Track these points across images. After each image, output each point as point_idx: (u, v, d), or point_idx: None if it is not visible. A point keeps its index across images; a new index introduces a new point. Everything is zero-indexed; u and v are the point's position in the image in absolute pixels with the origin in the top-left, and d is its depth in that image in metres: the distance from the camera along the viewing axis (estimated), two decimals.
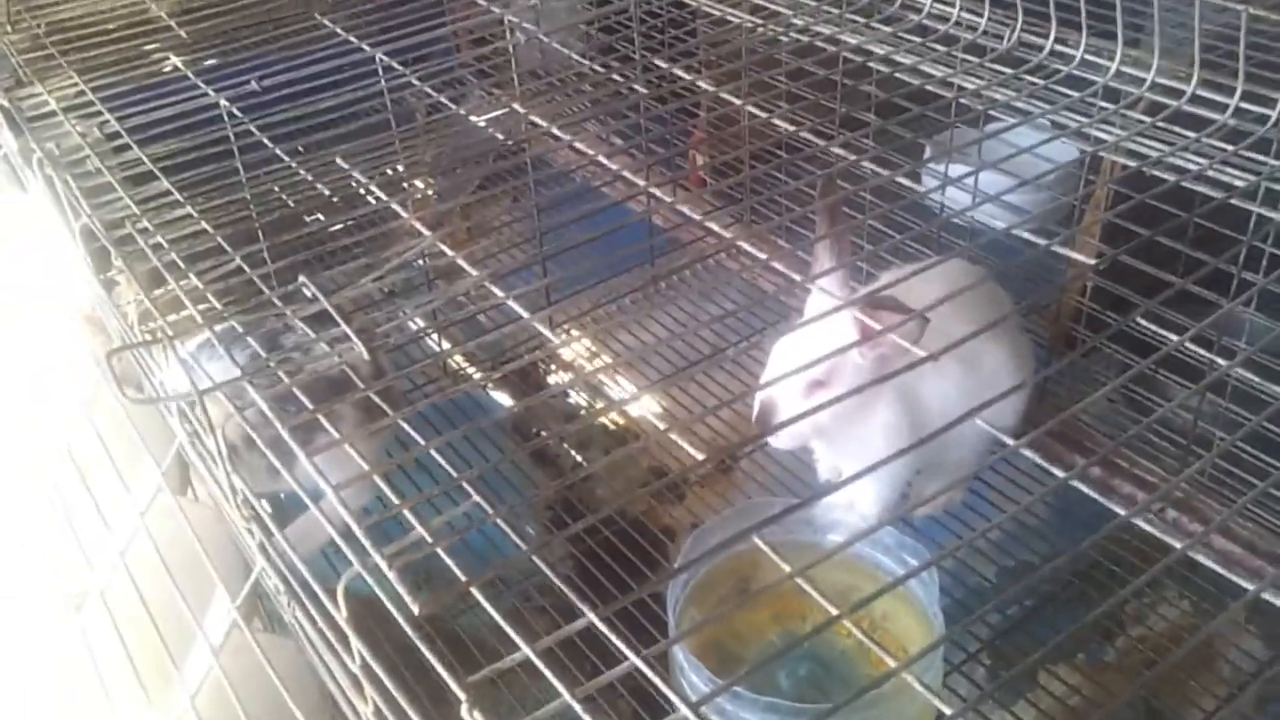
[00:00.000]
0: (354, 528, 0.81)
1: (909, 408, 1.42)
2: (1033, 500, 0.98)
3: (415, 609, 0.74)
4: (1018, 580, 1.53)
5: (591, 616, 0.74)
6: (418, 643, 0.74)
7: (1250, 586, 0.79)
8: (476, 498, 0.83)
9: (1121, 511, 0.84)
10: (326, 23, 1.71)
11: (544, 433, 2.05)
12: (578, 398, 2.13)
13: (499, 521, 0.83)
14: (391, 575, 0.76)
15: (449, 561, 0.80)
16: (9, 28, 1.86)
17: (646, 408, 2.10)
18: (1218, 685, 1.52)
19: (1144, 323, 1.09)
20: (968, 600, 1.63)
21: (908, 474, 1.56)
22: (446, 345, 2.08)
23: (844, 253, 1.34)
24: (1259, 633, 1.61)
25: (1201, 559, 0.81)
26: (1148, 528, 0.83)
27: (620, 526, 1.75)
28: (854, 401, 1.06)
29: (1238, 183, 1.23)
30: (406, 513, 0.83)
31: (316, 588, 0.87)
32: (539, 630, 1.59)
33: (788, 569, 0.81)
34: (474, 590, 0.77)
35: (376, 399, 0.99)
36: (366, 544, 0.79)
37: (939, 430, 0.97)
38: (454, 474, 0.91)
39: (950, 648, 1.53)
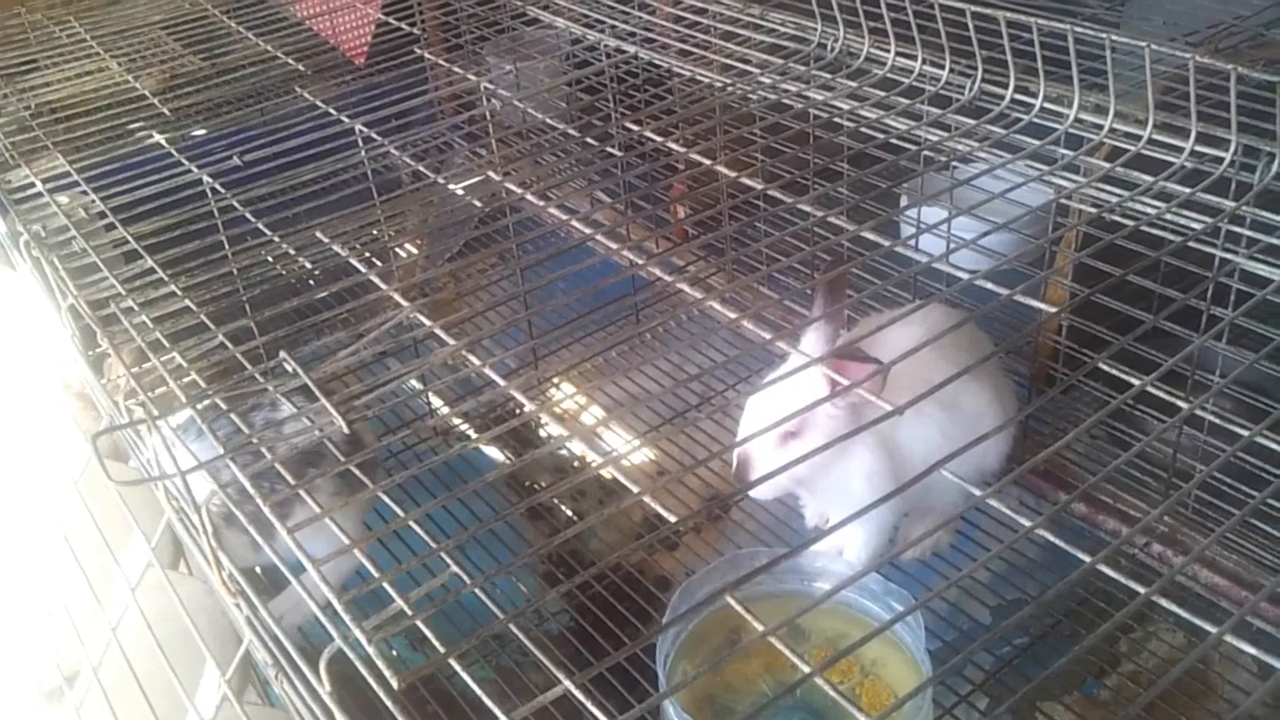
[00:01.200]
0: (335, 601, 0.82)
1: (887, 452, 1.44)
2: (1006, 545, 0.99)
3: (394, 682, 0.75)
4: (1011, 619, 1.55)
5: (568, 684, 0.75)
6: (398, 716, 0.75)
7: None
8: (454, 568, 0.85)
9: (1087, 558, 0.85)
10: (307, 95, 1.75)
11: (537, 487, 2.06)
12: (569, 449, 2.15)
13: (478, 591, 0.84)
14: (371, 650, 0.77)
15: (428, 632, 0.81)
16: None
17: (638, 457, 2.11)
18: None
19: (1111, 362, 1.11)
20: (960, 643, 1.63)
21: (894, 518, 1.57)
22: (437, 403, 2.10)
23: (834, 316, 1.37)
24: (1255, 666, 1.61)
25: (1163, 601, 0.82)
26: (1110, 572, 0.85)
27: (613, 580, 1.76)
28: (831, 449, 1.08)
29: (1195, 224, 1.26)
30: (387, 585, 0.85)
31: (300, 661, 0.88)
32: (534, 687, 1.61)
33: (760, 627, 0.82)
34: (453, 661, 0.78)
35: (355, 471, 1.00)
36: (347, 618, 0.81)
37: (918, 476, 0.98)
38: (439, 540, 0.92)
39: (943, 690, 1.53)
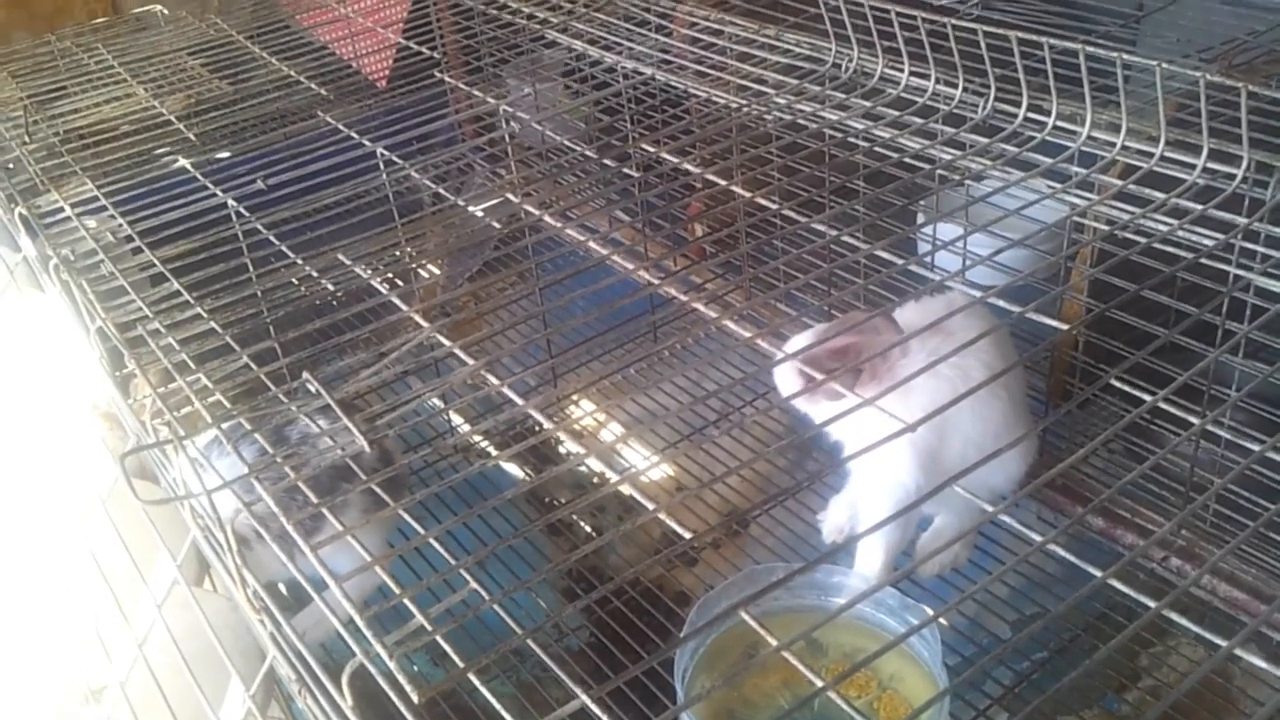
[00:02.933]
0: (356, 618, 0.84)
1: (934, 426, 1.44)
2: (1020, 559, 1.00)
3: (415, 697, 0.77)
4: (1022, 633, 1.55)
5: (585, 699, 0.76)
6: None
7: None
8: (473, 584, 0.86)
9: (1098, 573, 0.86)
10: (330, 119, 1.78)
11: (556, 503, 2.08)
12: (588, 466, 2.16)
13: (497, 607, 0.85)
14: (392, 665, 0.79)
15: (449, 648, 0.83)
16: (27, 137, 1.94)
17: (656, 474, 2.13)
18: None
19: (1126, 377, 1.12)
20: (979, 658, 1.63)
21: (918, 482, 1.56)
22: (457, 421, 2.12)
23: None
24: (1275, 681, 1.60)
25: (1175, 615, 0.83)
26: (1123, 587, 0.85)
27: (632, 596, 1.77)
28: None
29: (1208, 241, 1.27)
30: (407, 601, 0.86)
31: (323, 677, 0.90)
32: (553, 702, 1.62)
33: (775, 642, 0.83)
34: (473, 676, 0.80)
35: (377, 490, 1.02)
36: (369, 634, 0.82)
37: (936, 489, 1.00)
38: (459, 557, 0.94)
39: (963, 706, 1.54)
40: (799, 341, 1.51)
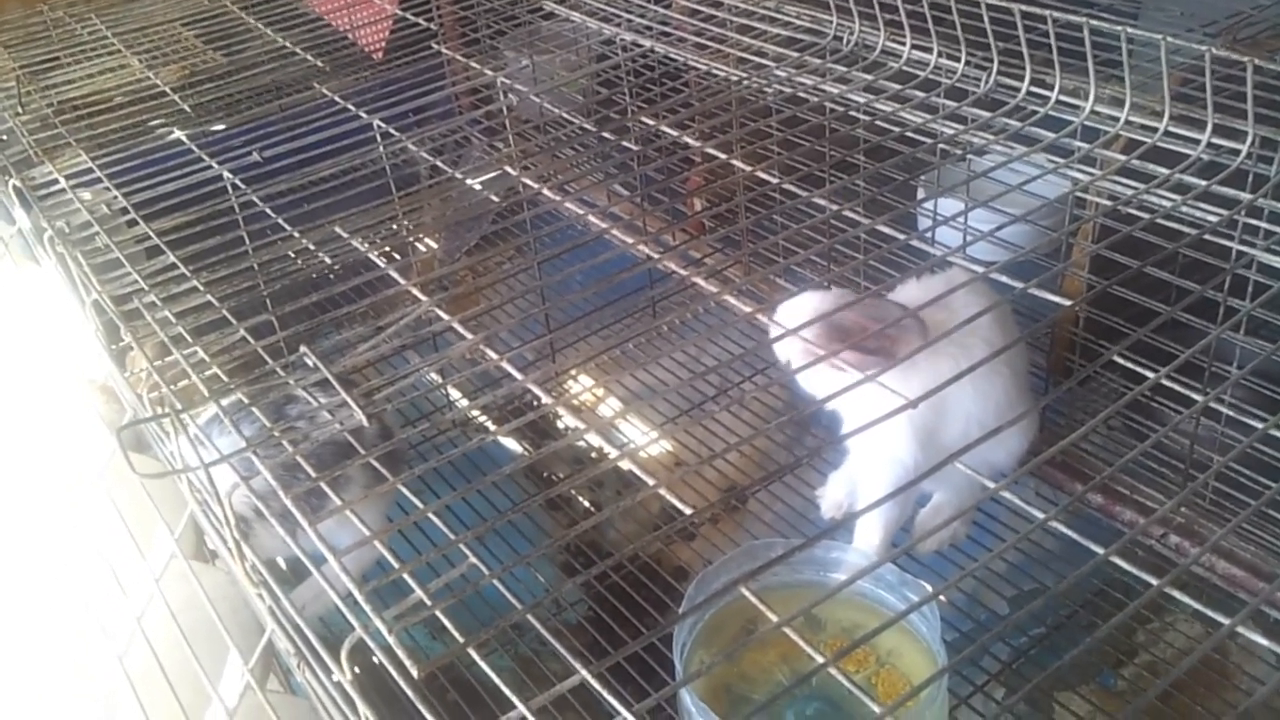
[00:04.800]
0: (355, 592, 0.83)
1: (933, 404, 1.44)
2: (1021, 537, 1.00)
3: (414, 671, 0.76)
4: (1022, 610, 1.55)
5: (585, 674, 0.76)
6: (418, 704, 0.77)
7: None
8: (473, 559, 0.86)
9: (1102, 549, 0.86)
10: (325, 91, 1.76)
11: (555, 478, 2.07)
12: (587, 441, 2.16)
13: (496, 582, 0.85)
14: (391, 639, 0.79)
15: (447, 623, 0.82)
16: (20, 109, 1.92)
17: (655, 449, 2.12)
18: (1228, 712, 1.52)
19: (1128, 354, 1.11)
20: (977, 634, 1.64)
21: (916, 459, 1.56)
22: (455, 395, 2.11)
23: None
24: (1274, 657, 1.61)
25: (1176, 593, 0.83)
26: (1124, 563, 0.85)
27: (631, 571, 1.77)
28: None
29: (1211, 218, 1.26)
30: (407, 576, 0.86)
31: (322, 651, 0.90)
32: (552, 676, 1.62)
33: (775, 619, 0.83)
34: (472, 650, 0.79)
35: (376, 464, 1.02)
36: (368, 609, 0.82)
37: (937, 465, 0.99)
38: (458, 532, 0.94)
39: (960, 681, 1.54)
40: (794, 306, 1.49)
